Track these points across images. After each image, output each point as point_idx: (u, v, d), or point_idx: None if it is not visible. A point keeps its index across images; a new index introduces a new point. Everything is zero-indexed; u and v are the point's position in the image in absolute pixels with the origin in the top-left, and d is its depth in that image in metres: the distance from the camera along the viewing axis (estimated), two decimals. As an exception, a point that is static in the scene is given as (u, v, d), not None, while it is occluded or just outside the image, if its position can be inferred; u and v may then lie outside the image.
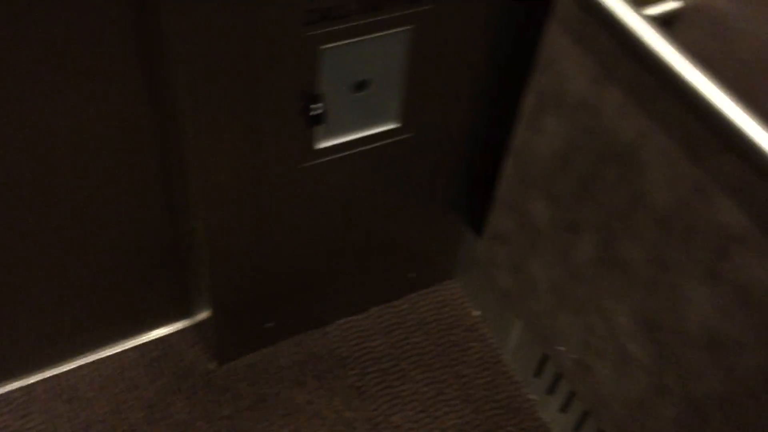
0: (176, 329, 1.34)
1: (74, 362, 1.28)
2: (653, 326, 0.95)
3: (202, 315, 1.29)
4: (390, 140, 1.10)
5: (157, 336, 1.33)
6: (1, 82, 0.88)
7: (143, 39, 0.92)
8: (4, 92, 0.89)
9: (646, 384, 0.99)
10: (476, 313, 1.42)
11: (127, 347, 1.31)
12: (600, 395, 1.09)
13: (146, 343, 1.32)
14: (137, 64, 0.94)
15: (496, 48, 1.08)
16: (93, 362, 1.29)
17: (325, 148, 1.05)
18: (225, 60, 0.88)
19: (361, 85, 1.01)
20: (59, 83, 0.91)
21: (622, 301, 0.99)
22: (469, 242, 1.37)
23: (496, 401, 1.32)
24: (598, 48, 0.90)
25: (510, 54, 1.10)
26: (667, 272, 0.90)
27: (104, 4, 0.87)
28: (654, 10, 0.80)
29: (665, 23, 0.80)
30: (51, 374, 1.26)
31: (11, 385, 1.24)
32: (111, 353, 1.30)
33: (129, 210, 1.11)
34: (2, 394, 1.24)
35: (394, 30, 0.97)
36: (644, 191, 0.90)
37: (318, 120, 0.99)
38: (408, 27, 0.97)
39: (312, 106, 0.98)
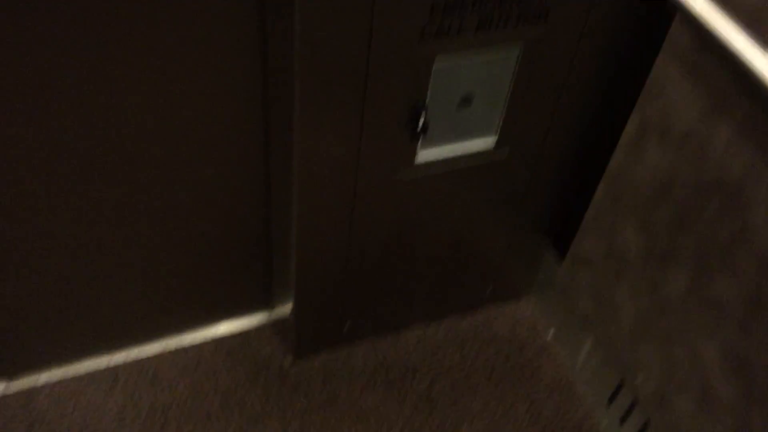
0: (257, 322, 1.37)
1: (158, 346, 1.32)
2: (744, 365, 0.94)
3: (284, 310, 1.32)
4: (486, 159, 1.12)
5: (238, 328, 1.37)
6: (139, 74, 0.92)
7: (263, 42, 0.95)
8: (140, 85, 0.93)
9: (731, 424, 0.98)
10: (550, 333, 1.42)
11: (208, 336, 1.35)
12: (678, 430, 1.08)
13: (226, 334, 1.36)
14: (256, 65, 0.97)
15: (602, 73, 1.08)
16: (175, 349, 1.33)
17: (424, 164, 1.07)
18: (341, 66, 0.90)
19: (464, 101, 1.03)
20: (185, 80, 0.95)
21: (712, 336, 0.98)
22: (551, 263, 1.37)
23: (564, 425, 1.31)
24: (712, 82, 0.90)
25: (615, 80, 1.10)
26: (765, 312, 0.89)
27: (232, 13, 0.90)
28: (779, 49, 0.79)
29: (789, 63, 0.79)
30: (135, 357, 1.31)
31: (98, 362, 1.29)
32: (193, 341, 1.34)
33: (228, 200, 1.14)
34: (89, 372, 1.29)
35: (504, 48, 0.98)
36: (747, 228, 0.89)
37: (422, 132, 1.01)
38: (518, 46, 0.98)
39: (418, 118, 0.99)
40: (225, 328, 1.36)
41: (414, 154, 1.06)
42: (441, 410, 1.31)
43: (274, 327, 1.38)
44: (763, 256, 0.88)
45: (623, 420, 1.27)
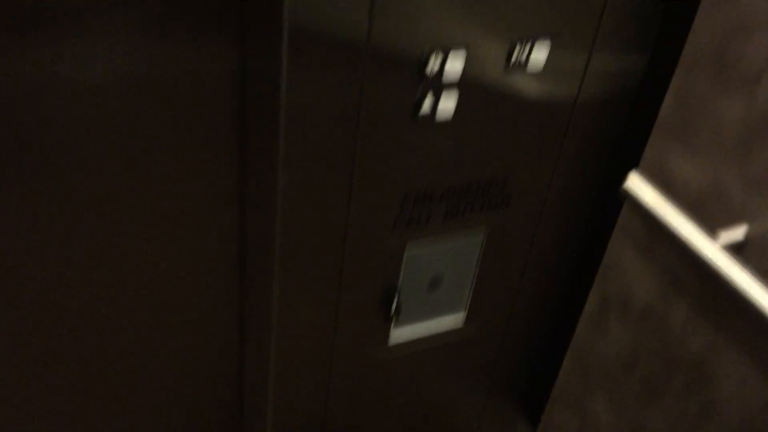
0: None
1: None
2: None
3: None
4: (456, 336, 1.15)
5: None
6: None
7: (240, 242, 0.99)
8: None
9: None
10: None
11: None
12: None
13: None
14: (232, 250, 1.01)
15: (562, 250, 1.14)
16: None
17: (398, 344, 1.10)
18: (318, 253, 0.94)
19: (435, 282, 1.08)
20: (162, 265, 0.98)
21: None
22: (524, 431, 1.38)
23: None
24: (664, 263, 0.97)
25: (575, 256, 1.16)
26: (739, 485, 0.91)
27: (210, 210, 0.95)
28: (725, 236, 0.86)
29: (735, 250, 0.86)
30: None
31: None
32: None
33: (201, 384, 1.14)
34: None
35: (471, 233, 1.04)
36: (715, 402, 0.93)
37: (396, 315, 1.04)
38: (483, 230, 1.05)
39: (392, 301, 1.03)
40: None
41: (388, 335, 1.09)
42: None
43: None
44: (733, 430, 0.91)
45: None
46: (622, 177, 0.95)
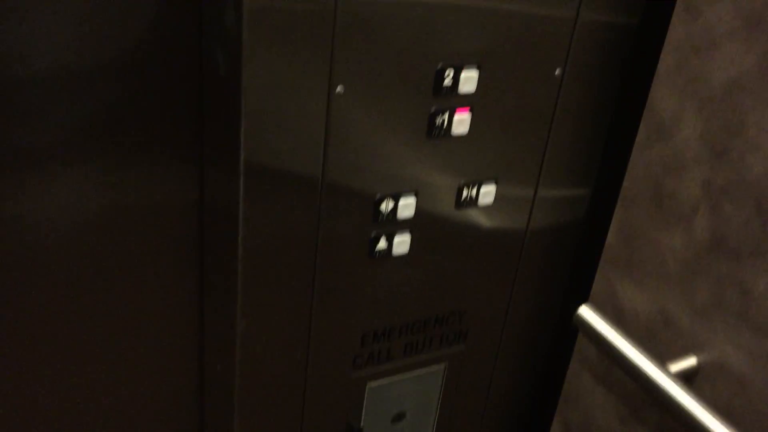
0: None
1: None
2: None
3: None
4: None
5: None
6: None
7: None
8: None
9: None
10: None
11: None
12: None
13: None
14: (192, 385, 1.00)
15: (523, 380, 1.15)
16: None
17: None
18: (278, 390, 0.94)
19: (398, 416, 1.07)
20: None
21: None
22: None
23: None
24: (622, 392, 0.98)
25: (537, 385, 1.17)
26: None
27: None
28: (676, 365, 0.88)
29: (687, 378, 0.88)
30: None
31: None
32: None
33: None
34: None
35: (431, 367, 1.05)
36: None
37: (359, 454, 1.03)
38: (443, 362, 1.05)
39: (354, 440, 1.02)
40: None
41: (352, 474, 1.07)
42: None
43: None
44: None
45: None
46: (578, 305, 0.98)
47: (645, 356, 0.90)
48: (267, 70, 0.72)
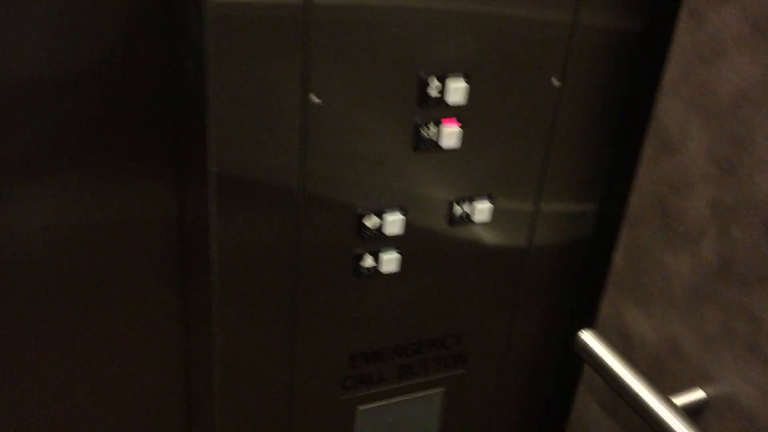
0: None
1: None
2: None
3: None
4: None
5: None
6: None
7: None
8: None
9: None
10: None
11: None
12: None
13: None
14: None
15: (528, 407, 1.09)
16: None
17: None
18: (261, 414, 0.91)
19: (394, 442, 1.03)
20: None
21: None
22: None
23: None
24: (629, 422, 0.91)
25: (543, 412, 1.11)
26: None
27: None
28: (682, 398, 0.82)
29: (694, 412, 0.82)
30: None
31: None
32: None
33: None
34: None
35: (428, 391, 1.00)
36: None
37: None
38: (441, 387, 1.00)
39: (345, 466, 0.98)
40: None
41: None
42: None
43: None
44: None
45: None
46: (586, 327, 0.92)
47: (649, 388, 0.83)
48: (235, 79, 0.69)
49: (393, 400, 0.98)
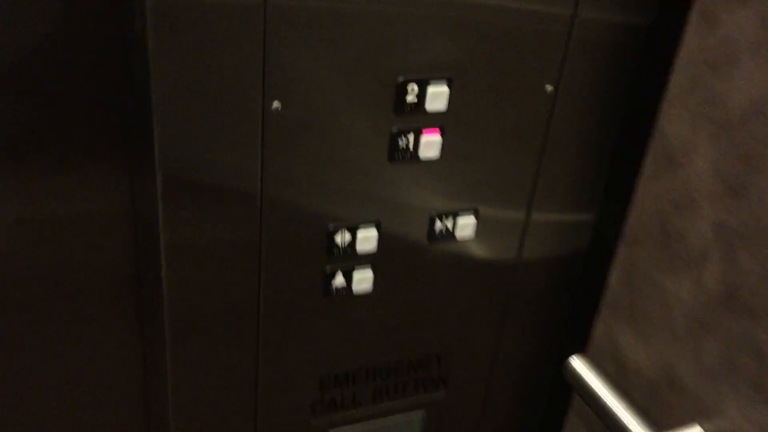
0: None
1: None
2: None
3: None
4: None
5: None
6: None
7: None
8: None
9: None
10: None
11: None
12: None
13: None
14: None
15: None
16: None
17: None
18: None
19: (369, 467, 0.96)
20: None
21: None
22: None
23: None
24: (621, 456, 0.85)
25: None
26: None
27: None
28: (676, 437, 0.75)
29: (689, 454, 0.75)
30: None
31: None
32: None
33: None
34: None
35: (406, 414, 0.93)
36: None
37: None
38: (419, 412, 0.94)
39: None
40: None
41: None
42: None
43: None
44: None
45: None
46: (578, 350, 0.85)
47: (642, 423, 0.76)
48: (182, 77, 0.62)
49: (367, 425, 0.91)
